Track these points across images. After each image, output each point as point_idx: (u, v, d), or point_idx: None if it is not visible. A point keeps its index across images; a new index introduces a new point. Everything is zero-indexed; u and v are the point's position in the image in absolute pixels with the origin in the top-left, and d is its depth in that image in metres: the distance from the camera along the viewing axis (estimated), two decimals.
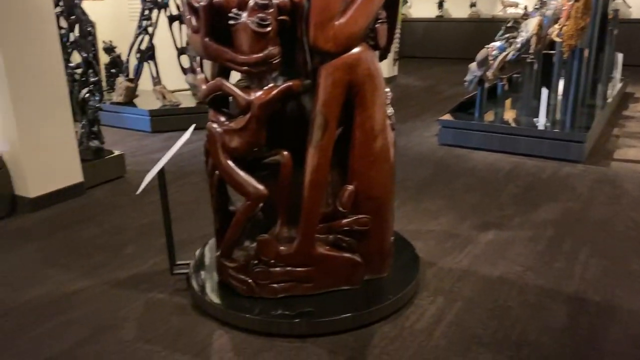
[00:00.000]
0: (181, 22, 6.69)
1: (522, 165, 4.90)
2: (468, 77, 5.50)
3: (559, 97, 5.74)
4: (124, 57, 7.12)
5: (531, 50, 5.19)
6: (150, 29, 6.67)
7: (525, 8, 6.32)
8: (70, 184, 4.25)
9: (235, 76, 2.51)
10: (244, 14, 2.21)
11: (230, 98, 2.46)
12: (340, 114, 2.37)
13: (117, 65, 7.26)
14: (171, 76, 6.94)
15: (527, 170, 4.75)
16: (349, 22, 2.26)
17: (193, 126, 2.89)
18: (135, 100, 6.96)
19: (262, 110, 2.30)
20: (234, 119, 2.40)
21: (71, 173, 4.28)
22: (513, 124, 5.53)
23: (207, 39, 2.30)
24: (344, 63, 2.30)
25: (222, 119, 2.44)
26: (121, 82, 6.84)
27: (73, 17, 4.50)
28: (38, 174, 4.03)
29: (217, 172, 2.54)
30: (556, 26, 4.92)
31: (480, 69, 5.37)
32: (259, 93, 2.30)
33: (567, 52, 4.95)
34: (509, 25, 5.74)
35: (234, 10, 2.22)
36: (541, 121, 5.23)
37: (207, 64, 2.55)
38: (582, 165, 4.85)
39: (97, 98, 4.63)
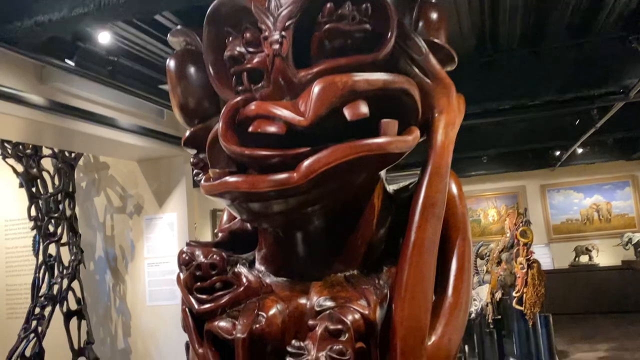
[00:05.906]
0: (80, 318, 5.63)
1: None
2: None
3: None
4: None
5: (489, 320, 4.92)
6: (40, 329, 5.48)
7: None
8: None
9: None
10: (309, 346, 1.52)
11: None
12: None
13: None
14: None
15: None
16: (443, 342, 1.64)
17: None
18: None
19: None
20: None
21: None
22: None
23: None
24: None
25: None
26: None
27: None
28: None
29: None
30: (514, 294, 4.77)
31: None
32: None
33: (532, 319, 4.74)
34: None
35: (294, 342, 1.53)
36: None
37: None
38: None
39: None
